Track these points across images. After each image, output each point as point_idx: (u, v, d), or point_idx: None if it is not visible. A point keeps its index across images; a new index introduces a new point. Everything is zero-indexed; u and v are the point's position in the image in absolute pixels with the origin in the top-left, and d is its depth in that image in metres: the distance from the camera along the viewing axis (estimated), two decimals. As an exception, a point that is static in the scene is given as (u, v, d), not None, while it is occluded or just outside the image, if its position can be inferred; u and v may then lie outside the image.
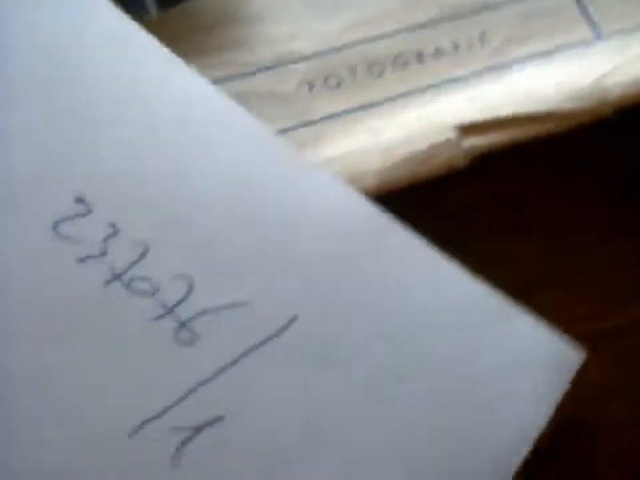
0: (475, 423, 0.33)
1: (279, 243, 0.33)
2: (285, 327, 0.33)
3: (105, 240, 0.34)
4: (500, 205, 0.36)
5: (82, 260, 0.33)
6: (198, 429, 0.33)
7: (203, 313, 0.34)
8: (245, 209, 0.33)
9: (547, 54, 0.36)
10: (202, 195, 0.33)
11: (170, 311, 0.34)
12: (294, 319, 0.33)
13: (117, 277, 0.34)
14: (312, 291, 0.33)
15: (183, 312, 0.35)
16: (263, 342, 0.33)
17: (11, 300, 0.33)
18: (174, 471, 0.32)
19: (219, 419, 0.33)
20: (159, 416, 0.33)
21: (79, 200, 0.34)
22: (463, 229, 0.35)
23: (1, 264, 0.33)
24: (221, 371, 0.33)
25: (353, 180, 0.33)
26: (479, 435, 0.33)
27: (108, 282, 0.34)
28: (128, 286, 0.34)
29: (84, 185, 0.34)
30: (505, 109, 0.34)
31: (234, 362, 0.33)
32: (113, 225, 0.34)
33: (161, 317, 0.34)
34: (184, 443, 0.33)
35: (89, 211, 0.33)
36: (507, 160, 0.34)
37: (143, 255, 0.34)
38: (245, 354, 0.33)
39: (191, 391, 0.33)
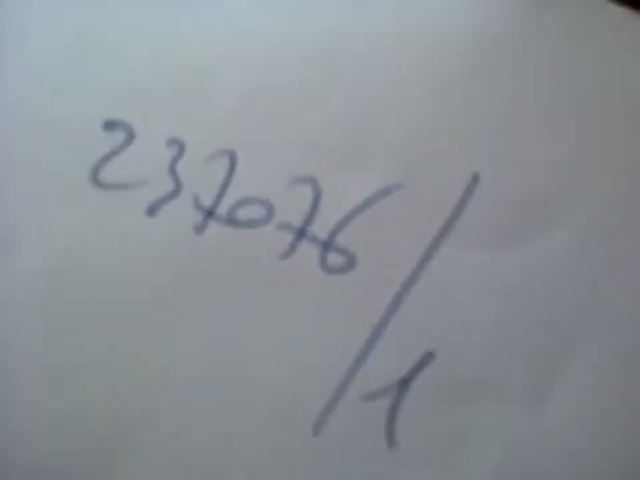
0: None
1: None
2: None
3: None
4: None
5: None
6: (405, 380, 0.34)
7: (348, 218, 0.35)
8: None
9: None
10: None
11: (302, 232, 0.36)
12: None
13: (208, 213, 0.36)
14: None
15: (316, 228, 0.36)
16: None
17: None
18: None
19: (430, 356, 0.34)
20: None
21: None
22: None
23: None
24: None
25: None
26: None
27: (201, 223, 0.36)
28: (229, 219, 0.36)
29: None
30: None
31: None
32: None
33: (294, 244, 0.36)
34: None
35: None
36: None
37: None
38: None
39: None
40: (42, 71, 0.38)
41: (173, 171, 0.36)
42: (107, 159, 0.37)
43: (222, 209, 0.36)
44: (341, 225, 0.35)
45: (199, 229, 0.36)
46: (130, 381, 0.35)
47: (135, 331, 0.35)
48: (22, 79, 0.37)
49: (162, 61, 0.37)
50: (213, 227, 0.36)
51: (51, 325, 0.36)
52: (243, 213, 0.36)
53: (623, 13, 0.35)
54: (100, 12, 0.38)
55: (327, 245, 0.35)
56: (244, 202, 0.36)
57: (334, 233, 0.35)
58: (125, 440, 0.34)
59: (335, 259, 0.35)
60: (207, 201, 0.36)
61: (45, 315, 0.36)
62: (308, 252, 0.35)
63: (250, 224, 0.36)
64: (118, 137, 0.37)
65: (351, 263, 0.35)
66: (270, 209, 0.36)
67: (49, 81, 0.38)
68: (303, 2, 0.37)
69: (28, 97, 0.37)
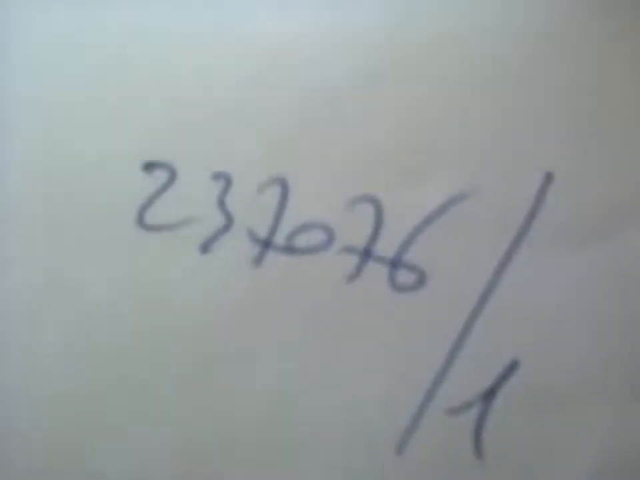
0: None
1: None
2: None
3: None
4: None
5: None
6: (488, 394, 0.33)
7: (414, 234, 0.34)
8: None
9: None
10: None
11: (367, 253, 0.34)
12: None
13: (265, 244, 0.35)
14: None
15: (382, 248, 0.35)
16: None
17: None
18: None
19: (515, 365, 0.33)
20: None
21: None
22: None
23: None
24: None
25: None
26: None
27: (258, 255, 0.34)
28: (288, 248, 0.34)
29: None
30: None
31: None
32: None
33: (360, 266, 0.34)
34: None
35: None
36: None
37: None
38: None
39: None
40: (76, 111, 0.36)
41: (222, 205, 0.35)
42: (151, 200, 0.35)
43: (279, 238, 0.35)
44: (407, 242, 0.34)
45: (257, 260, 0.35)
46: (200, 424, 0.34)
47: (202, 372, 0.34)
48: (58, 119, 0.36)
49: (198, 94, 0.36)
50: (272, 257, 0.34)
51: (114, 372, 0.35)
52: (302, 240, 0.35)
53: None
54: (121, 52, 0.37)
55: (395, 263, 0.34)
56: (301, 229, 0.35)
57: (401, 251, 0.34)
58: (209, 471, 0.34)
59: (404, 277, 0.34)
60: (262, 232, 0.35)
61: (107, 364, 0.35)
62: (375, 272, 0.34)
63: (310, 250, 0.34)
64: (160, 177, 0.35)
65: (421, 279, 0.34)
66: (330, 233, 0.34)
67: (83, 124, 0.36)
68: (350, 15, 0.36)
69: (64, 139, 0.36)
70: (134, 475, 0.34)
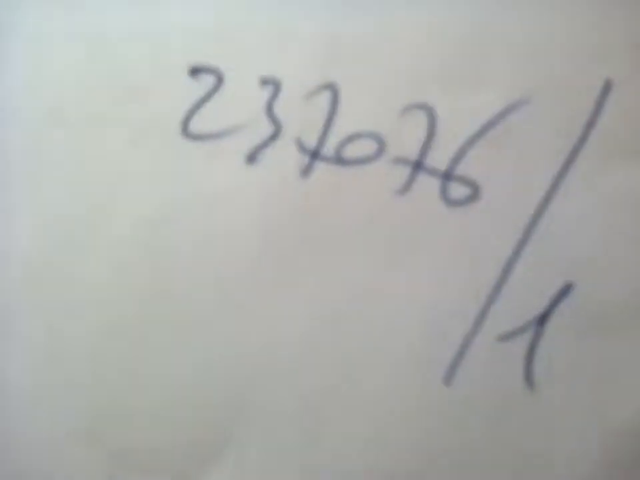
0: None
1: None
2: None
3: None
4: None
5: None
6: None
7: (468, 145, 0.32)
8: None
9: None
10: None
11: (419, 164, 0.33)
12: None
13: (313, 154, 0.33)
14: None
15: (434, 159, 0.33)
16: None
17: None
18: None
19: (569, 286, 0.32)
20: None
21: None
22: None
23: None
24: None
25: None
26: None
27: (307, 166, 0.33)
28: (337, 158, 0.33)
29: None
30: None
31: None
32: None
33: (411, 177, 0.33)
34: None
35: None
36: None
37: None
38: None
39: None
40: (118, 14, 0.35)
41: (270, 112, 0.34)
42: (196, 108, 0.34)
43: (328, 148, 0.33)
44: (461, 153, 0.32)
45: (305, 171, 0.33)
46: (244, 339, 0.33)
47: (247, 286, 0.33)
48: (98, 24, 0.35)
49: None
50: (321, 168, 0.33)
51: (155, 278, 0.34)
52: (352, 150, 0.33)
53: None
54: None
55: (447, 176, 0.32)
56: (352, 138, 0.33)
57: (454, 162, 0.32)
58: (251, 391, 0.33)
59: (457, 190, 0.32)
60: (311, 141, 0.33)
61: (150, 279, 0.34)
62: (427, 185, 0.32)
63: (360, 161, 0.33)
64: (206, 82, 0.34)
65: (475, 193, 0.32)
66: (381, 143, 0.33)
67: (125, 25, 0.35)
68: None
69: (105, 43, 0.35)
70: (179, 389, 0.34)
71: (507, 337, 0.32)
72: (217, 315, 0.33)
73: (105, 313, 0.34)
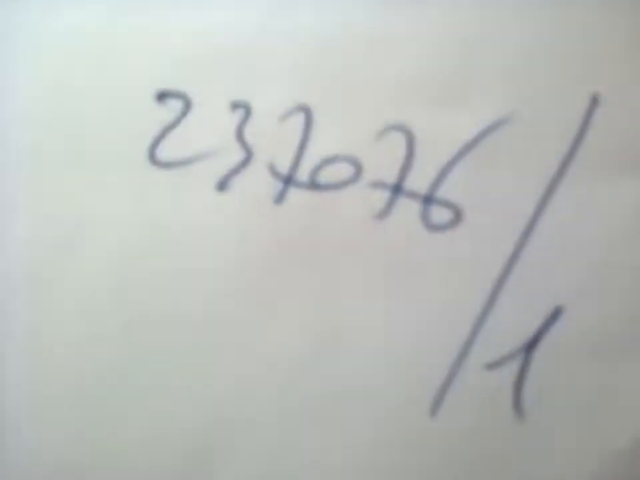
0: None
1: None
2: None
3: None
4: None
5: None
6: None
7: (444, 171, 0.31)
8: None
9: None
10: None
11: (398, 188, 0.32)
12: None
13: (286, 180, 0.32)
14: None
15: (414, 182, 0.32)
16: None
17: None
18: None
19: (559, 310, 0.30)
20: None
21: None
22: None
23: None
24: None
25: None
26: None
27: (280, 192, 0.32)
28: (311, 184, 0.32)
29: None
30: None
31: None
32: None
33: (390, 202, 0.32)
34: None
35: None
36: None
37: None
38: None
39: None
40: (83, 43, 0.34)
41: (240, 137, 0.32)
42: (163, 134, 0.33)
43: (302, 173, 0.32)
44: (442, 175, 0.31)
45: (279, 197, 0.32)
46: (227, 370, 0.32)
47: (220, 315, 0.32)
48: (64, 52, 0.34)
49: (215, 18, 0.33)
50: (295, 194, 0.32)
51: (131, 312, 0.33)
52: (327, 175, 0.32)
53: None
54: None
55: (428, 199, 0.31)
56: (327, 162, 0.32)
57: (435, 185, 0.31)
58: (229, 429, 0.32)
59: (439, 214, 0.31)
60: (284, 166, 0.32)
61: (123, 303, 0.33)
62: (407, 209, 0.31)
63: (336, 186, 0.32)
64: (173, 108, 0.33)
65: (457, 216, 0.31)
66: (357, 166, 0.31)
67: (92, 54, 0.33)
68: None
69: (72, 68, 0.33)
70: (155, 414, 0.32)
71: (494, 365, 0.30)
72: (191, 345, 0.32)
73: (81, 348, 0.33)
